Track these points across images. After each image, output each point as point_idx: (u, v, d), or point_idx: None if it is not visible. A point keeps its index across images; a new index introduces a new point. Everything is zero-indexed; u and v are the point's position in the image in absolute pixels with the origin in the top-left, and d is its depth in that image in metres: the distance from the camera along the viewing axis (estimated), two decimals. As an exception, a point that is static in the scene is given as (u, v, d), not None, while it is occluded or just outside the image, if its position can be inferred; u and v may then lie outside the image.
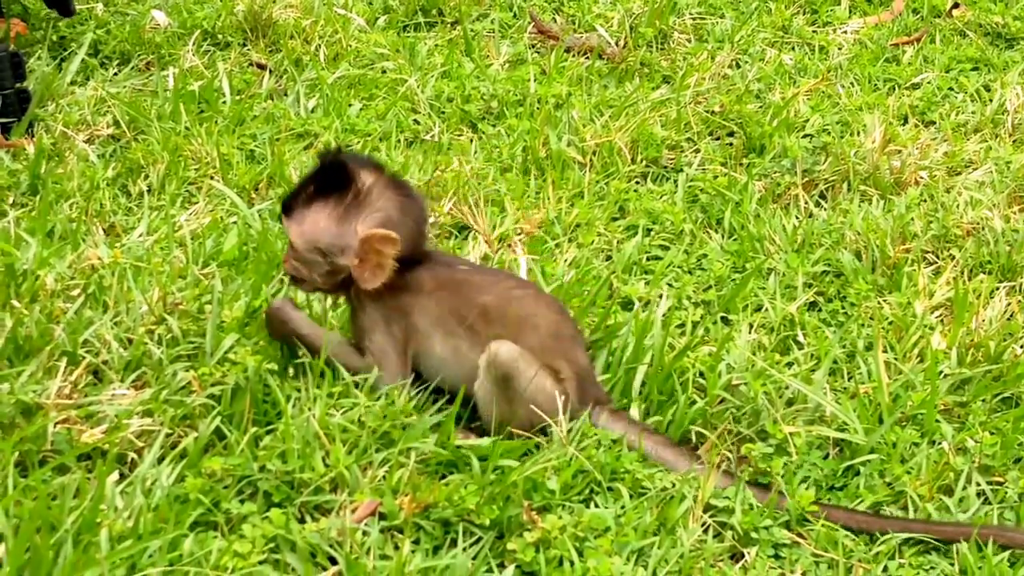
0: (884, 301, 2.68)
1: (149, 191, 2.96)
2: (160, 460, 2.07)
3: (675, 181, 3.11)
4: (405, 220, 2.18)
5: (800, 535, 2.11)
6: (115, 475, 2.02)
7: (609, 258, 2.82)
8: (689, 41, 3.87)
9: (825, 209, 3.02)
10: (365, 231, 2.14)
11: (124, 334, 2.35)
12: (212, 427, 2.09)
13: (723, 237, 2.92)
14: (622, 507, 2.09)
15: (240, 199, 2.85)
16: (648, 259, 2.82)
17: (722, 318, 2.61)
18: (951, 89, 3.64)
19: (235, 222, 2.80)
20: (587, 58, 3.70)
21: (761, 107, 3.45)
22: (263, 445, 2.08)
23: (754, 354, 2.47)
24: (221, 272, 2.54)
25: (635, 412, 2.29)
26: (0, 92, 3.16)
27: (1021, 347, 2.55)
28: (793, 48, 3.87)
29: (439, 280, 2.21)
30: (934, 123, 3.45)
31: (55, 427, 2.10)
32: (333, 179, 2.16)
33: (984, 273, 2.79)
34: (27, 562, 1.83)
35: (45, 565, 1.82)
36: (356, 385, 2.19)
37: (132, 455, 2.09)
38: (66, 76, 3.44)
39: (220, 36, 3.72)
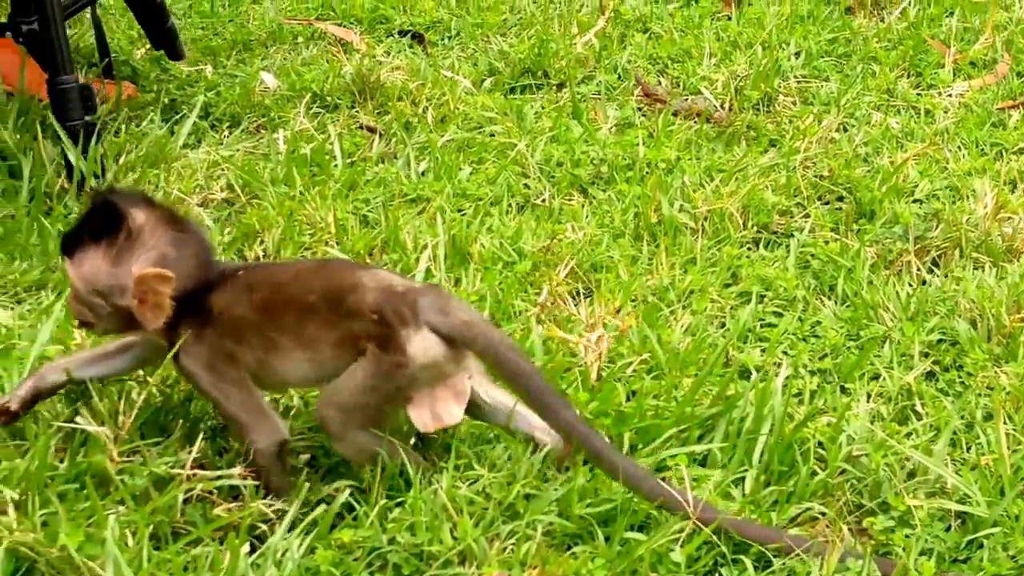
0: (1001, 371, 2.67)
1: (265, 255, 3.00)
2: (289, 530, 2.09)
3: (787, 247, 3.11)
4: (181, 255, 2.14)
5: (926, 610, 2.11)
6: (246, 547, 2.04)
7: (723, 325, 2.83)
8: (794, 104, 3.87)
9: (938, 276, 3.01)
10: (139, 271, 2.11)
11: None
12: (342, 499, 2.11)
13: (836, 304, 2.92)
14: (746, 580, 2.10)
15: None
16: (762, 326, 2.83)
17: (840, 387, 2.61)
18: (1060, 154, 3.63)
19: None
20: (694, 121, 3.72)
21: (869, 171, 3.45)
22: (392, 517, 2.10)
23: (872, 424, 2.47)
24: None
25: (750, 480, 2.30)
26: (69, 123, 3.21)
27: None
28: (899, 111, 3.86)
29: (223, 297, 2.16)
30: (1044, 189, 3.44)
31: (187, 499, 2.12)
32: (106, 220, 2.13)
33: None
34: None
35: (181, 638, 1.85)
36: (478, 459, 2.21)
37: (262, 526, 2.12)
38: (179, 139, 3.50)
39: (329, 98, 3.77)
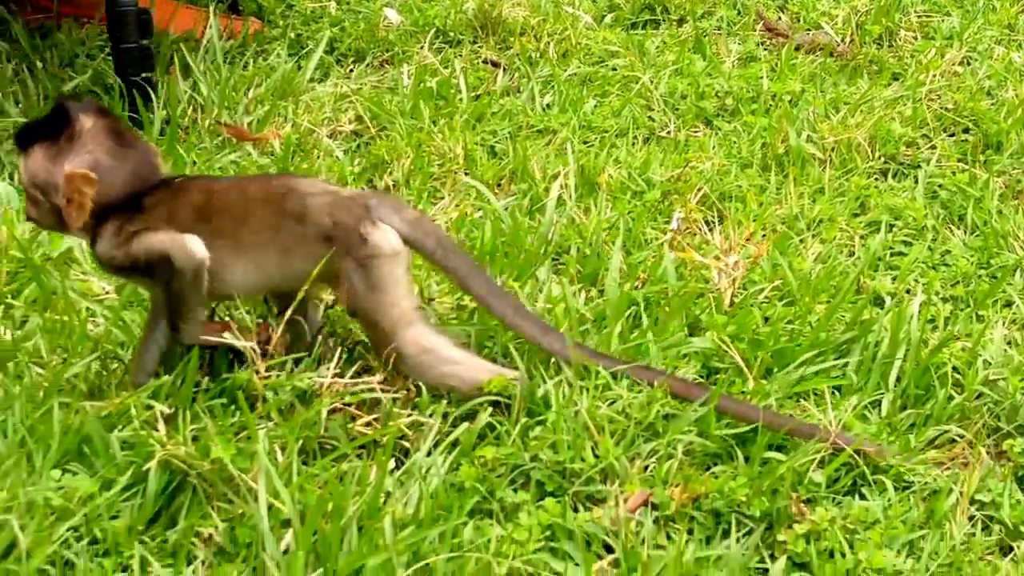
0: None
1: (394, 186, 3.03)
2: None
3: (914, 177, 3.10)
4: (115, 165, 2.18)
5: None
6: (391, 462, 2.08)
7: (852, 254, 2.82)
8: (915, 39, 3.85)
9: (1068, 206, 2.99)
10: (68, 170, 2.15)
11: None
12: (485, 419, 2.13)
13: (965, 233, 2.90)
14: (888, 501, 2.10)
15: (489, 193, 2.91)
16: (892, 255, 2.82)
17: (974, 315, 2.60)
18: None
19: (481, 216, 2.85)
20: (816, 55, 3.70)
21: (994, 104, 3.42)
22: (533, 436, 2.12)
23: (1007, 349, 2.46)
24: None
25: (886, 404, 2.31)
26: (124, 46, 3.24)
27: None
28: (1020, 46, 3.82)
29: (157, 197, 2.19)
30: None
31: (329, 415, 2.15)
32: (56, 121, 2.19)
33: None
34: (313, 547, 1.89)
35: (333, 550, 1.88)
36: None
37: (403, 443, 2.15)
38: (306, 73, 3.54)
39: (451, 34, 3.79)
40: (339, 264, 2.15)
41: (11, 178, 2.93)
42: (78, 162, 2.16)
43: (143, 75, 3.26)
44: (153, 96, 3.23)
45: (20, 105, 3.28)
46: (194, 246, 2.13)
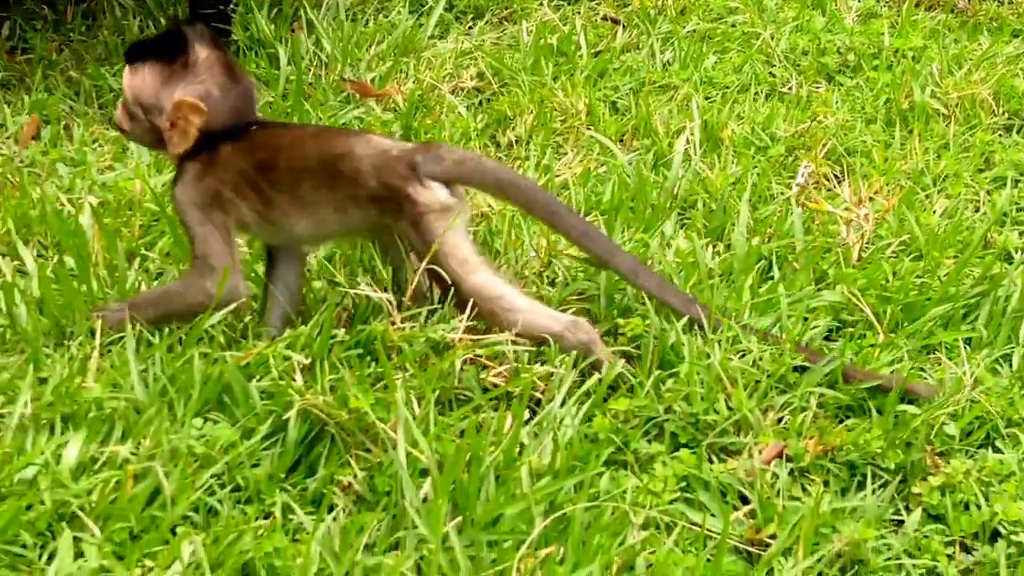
0: None
1: (517, 141, 3.04)
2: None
3: (1040, 133, 3.08)
4: (223, 98, 2.21)
5: None
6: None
7: (978, 209, 2.80)
8: (1036, -5, 3.81)
9: None
10: (179, 96, 2.18)
11: (516, 278, 2.44)
12: (618, 369, 2.15)
13: (1094, 191, 2.88)
14: (1022, 453, 2.09)
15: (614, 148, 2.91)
16: (1018, 210, 2.80)
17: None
18: None
19: (605, 171, 2.86)
20: (936, 12, 3.68)
21: (1118, 60, 3.39)
22: (666, 388, 2.13)
23: None
24: (603, 219, 2.60)
25: (1016, 359, 2.29)
26: (202, 10, 3.28)
27: None
28: None
29: (231, 148, 2.22)
30: None
31: (462, 366, 2.17)
32: (172, 45, 2.21)
33: None
34: (452, 496, 1.91)
35: (471, 500, 1.90)
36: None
37: (535, 394, 2.16)
38: (427, 30, 3.56)
39: (570, -10, 3.80)
40: (394, 223, 2.18)
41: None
42: (190, 90, 2.19)
43: (219, 8, 3.30)
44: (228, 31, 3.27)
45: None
46: (214, 286, 2.17)
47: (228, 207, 2.21)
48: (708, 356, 2.16)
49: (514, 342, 2.19)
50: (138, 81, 2.22)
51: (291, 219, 2.21)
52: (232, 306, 2.18)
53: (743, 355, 2.20)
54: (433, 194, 2.17)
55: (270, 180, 2.20)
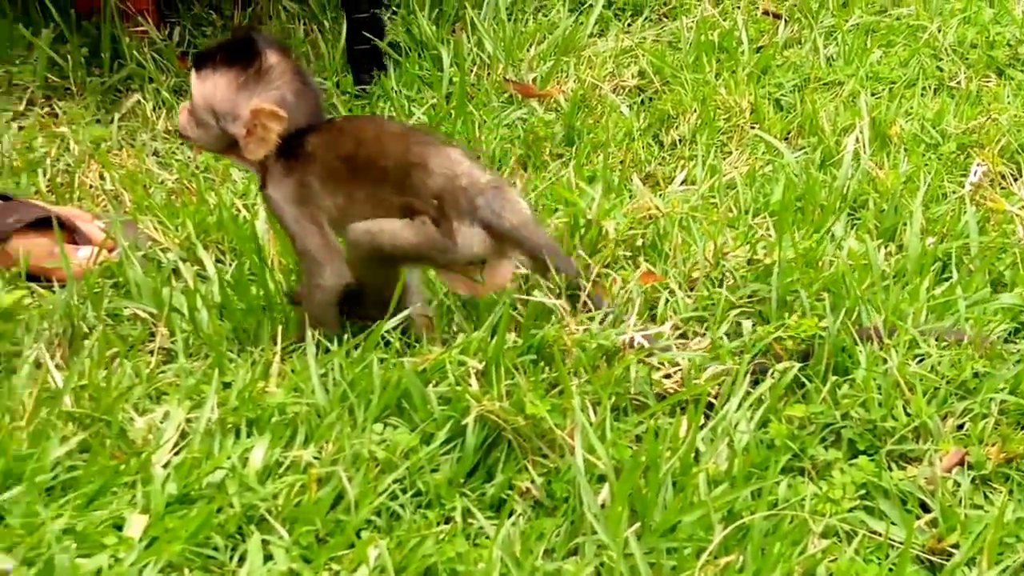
0: None
1: (681, 141, 3.03)
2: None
3: None
4: (297, 103, 2.23)
5: None
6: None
7: None
8: None
9: None
10: (257, 104, 2.19)
11: (684, 281, 2.44)
12: (791, 375, 2.14)
13: None
14: None
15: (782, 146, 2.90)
16: None
17: None
18: None
19: (771, 170, 2.84)
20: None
21: None
22: (842, 393, 2.12)
23: None
24: (771, 220, 2.59)
25: None
26: (356, 16, 3.29)
27: None
28: None
29: (318, 140, 2.24)
30: None
31: (635, 371, 2.17)
32: (243, 51, 2.22)
33: None
34: (630, 502, 1.91)
35: (650, 506, 1.90)
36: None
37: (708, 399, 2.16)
38: (586, 28, 3.56)
39: (730, -15, 3.78)
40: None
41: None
42: (266, 97, 2.22)
43: (372, 12, 3.32)
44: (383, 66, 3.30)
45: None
46: (342, 272, 2.23)
47: (318, 198, 2.23)
48: (885, 361, 2.15)
49: (678, 347, 2.20)
50: (209, 88, 2.24)
51: (364, 216, 2.22)
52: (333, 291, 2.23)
53: (920, 359, 2.18)
54: (471, 242, 2.19)
55: (351, 173, 2.22)
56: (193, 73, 2.27)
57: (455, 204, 2.18)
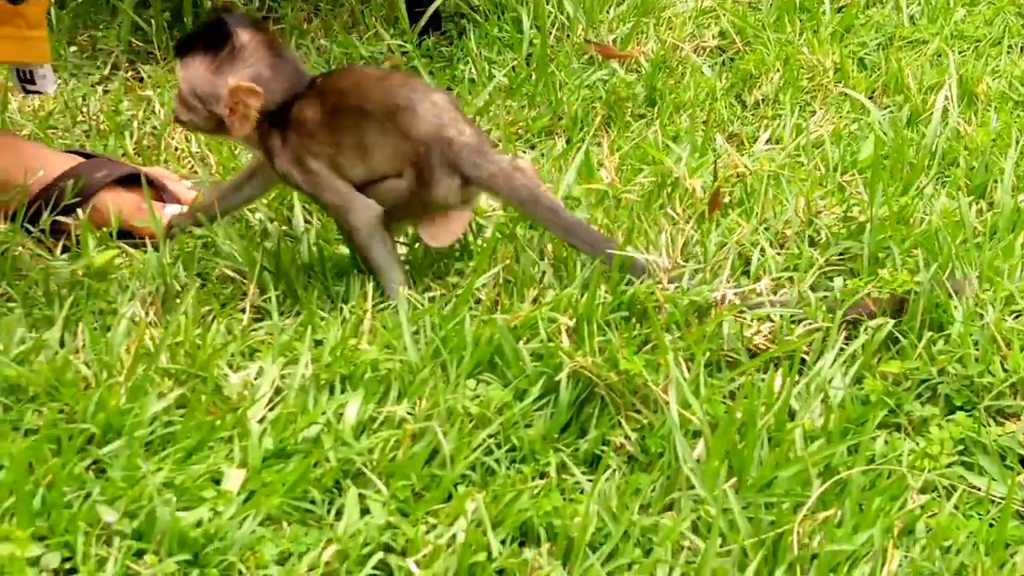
0: None
1: (764, 101, 3.01)
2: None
3: None
4: (274, 76, 2.28)
5: None
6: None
7: None
8: None
9: None
10: (233, 83, 2.25)
11: (775, 238, 2.42)
12: (886, 331, 2.12)
13: None
14: None
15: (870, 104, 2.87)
16: None
17: None
18: None
19: (858, 128, 2.82)
20: None
21: None
22: (937, 349, 2.10)
23: None
24: (861, 178, 2.57)
25: None
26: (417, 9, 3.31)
27: None
28: None
29: (302, 103, 2.29)
30: None
31: (728, 327, 2.16)
32: (216, 34, 2.28)
33: None
34: (726, 458, 1.90)
35: (747, 462, 1.89)
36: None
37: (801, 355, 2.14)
38: (665, -11, 3.55)
39: (809, -55, 3.75)
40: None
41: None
42: (241, 75, 2.27)
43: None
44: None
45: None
46: (366, 203, 2.27)
47: (313, 154, 2.28)
48: (981, 316, 2.13)
49: (771, 303, 2.18)
50: (191, 73, 2.31)
51: (351, 164, 2.28)
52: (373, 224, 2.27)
53: (1017, 315, 2.16)
54: (448, 192, 2.24)
55: (338, 123, 2.27)
56: (177, 61, 2.34)
57: (441, 155, 2.23)
